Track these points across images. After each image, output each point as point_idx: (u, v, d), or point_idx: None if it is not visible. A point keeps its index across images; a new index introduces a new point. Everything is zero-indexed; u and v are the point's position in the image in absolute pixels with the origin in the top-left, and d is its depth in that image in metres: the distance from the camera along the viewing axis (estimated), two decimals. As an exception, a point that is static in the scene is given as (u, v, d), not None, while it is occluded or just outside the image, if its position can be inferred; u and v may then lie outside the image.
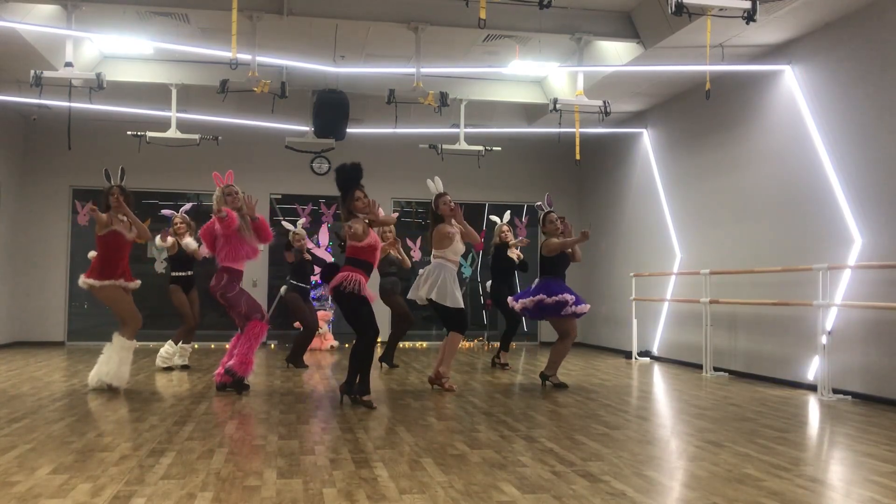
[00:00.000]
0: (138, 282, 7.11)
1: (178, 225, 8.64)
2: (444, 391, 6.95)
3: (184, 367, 8.55)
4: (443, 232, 7.04)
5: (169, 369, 8.40)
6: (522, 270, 9.51)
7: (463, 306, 7.04)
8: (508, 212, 9.76)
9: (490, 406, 6.20)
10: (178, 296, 8.54)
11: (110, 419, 5.46)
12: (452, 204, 7.05)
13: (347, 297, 6.02)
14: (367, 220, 6.20)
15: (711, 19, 6.49)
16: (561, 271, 7.54)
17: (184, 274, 8.61)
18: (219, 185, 6.91)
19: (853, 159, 7.09)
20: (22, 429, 4.99)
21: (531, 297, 7.39)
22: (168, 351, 8.52)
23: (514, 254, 9.36)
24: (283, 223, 9.72)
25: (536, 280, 7.66)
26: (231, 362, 6.77)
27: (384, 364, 8.93)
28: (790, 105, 7.95)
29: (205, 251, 7.93)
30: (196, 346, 9.08)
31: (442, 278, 6.94)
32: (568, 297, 7.25)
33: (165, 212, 8.92)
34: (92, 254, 7.23)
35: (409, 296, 7.25)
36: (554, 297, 7.25)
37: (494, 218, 9.69)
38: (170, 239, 8.52)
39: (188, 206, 9.15)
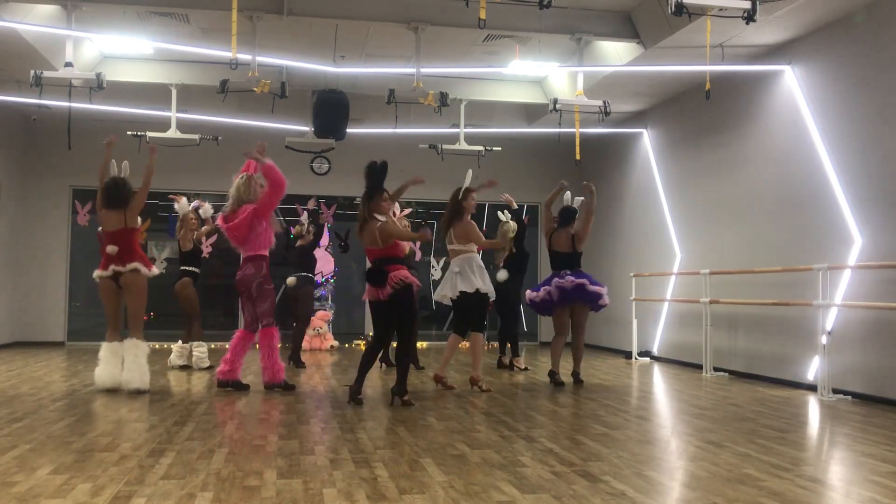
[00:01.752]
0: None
1: (192, 220, 8.67)
2: (483, 392, 6.99)
3: (183, 367, 8.56)
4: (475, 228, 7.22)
5: (208, 367, 8.50)
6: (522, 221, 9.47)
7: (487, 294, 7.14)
8: (506, 210, 9.66)
9: (490, 406, 6.20)
10: (190, 290, 8.55)
11: (110, 419, 5.46)
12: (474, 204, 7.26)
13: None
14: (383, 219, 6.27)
15: (711, 19, 6.49)
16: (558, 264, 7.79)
17: (197, 270, 8.63)
18: (248, 172, 7.02)
19: (853, 159, 7.09)
20: (22, 429, 4.99)
21: (571, 279, 7.54)
22: (202, 351, 8.60)
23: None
24: (301, 215, 9.88)
25: (554, 278, 7.71)
26: (263, 378, 6.89)
27: (383, 364, 8.94)
28: (790, 105, 7.95)
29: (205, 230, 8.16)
30: (212, 345, 9.18)
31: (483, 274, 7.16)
32: (601, 289, 7.59)
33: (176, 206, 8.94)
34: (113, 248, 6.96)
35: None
36: (595, 287, 7.56)
37: (501, 215, 9.51)
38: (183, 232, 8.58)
39: (197, 203, 9.16)
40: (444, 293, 7.18)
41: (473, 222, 7.21)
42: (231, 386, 6.80)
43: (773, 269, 7.88)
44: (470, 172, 7.28)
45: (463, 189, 7.17)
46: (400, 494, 3.52)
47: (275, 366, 6.81)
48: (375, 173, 6.30)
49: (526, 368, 9.13)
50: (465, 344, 7.45)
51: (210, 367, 8.43)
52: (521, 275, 9.25)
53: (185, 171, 11.90)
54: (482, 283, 7.02)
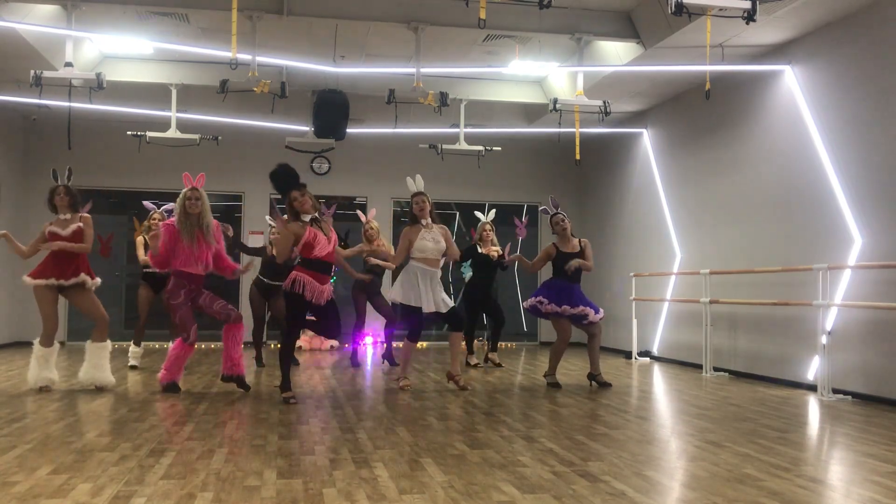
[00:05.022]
0: (94, 279, 7.07)
1: (155, 221, 8.60)
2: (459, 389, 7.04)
3: (132, 368, 8.52)
4: (402, 235, 7.13)
5: (133, 367, 8.50)
6: (500, 268, 9.46)
7: (418, 305, 6.94)
8: (493, 210, 9.68)
9: (490, 406, 6.20)
10: (140, 292, 8.57)
11: (110, 419, 5.46)
12: (426, 205, 7.04)
13: (289, 297, 6.18)
14: (308, 219, 6.23)
15: (711, 19, 6.49)
16: (563, 275, 7.51)
17: (152, 271, 8.52)
18: (186, 186, 6.81)
19: (853, 159, 7.09)
20: (22, 429, 4.99)
21: (536, 298, 7.57)
22: (132, 351, 8.63)
23: (490, 251, 9.32)
24: (266, 217, 9.87)
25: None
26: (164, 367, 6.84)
27: (386, 361, 9.17)
28: (790, 105, 7.95)
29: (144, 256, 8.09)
30: (213, 346, 9.14)
31: (401, 280, 7.10)
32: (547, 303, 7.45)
33: (146, 203, 8.87)
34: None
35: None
36: (541, 302, 7.49)
37: (479, 214, 9.64)
38: (138, 238, 8.61)
39: (171, 205, 9.04)
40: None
41: (405, 230, 7.13)
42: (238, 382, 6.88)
43: (773, 269, 7.88)
44: (410, 179, 7.14)
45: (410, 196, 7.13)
46: (400, 494, 3.52)
47: (169, 365, 6.80)
48: (278, 179, 6.29)
49: (500, 364, 9.37)
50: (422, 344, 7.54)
51: (133, 367, 8.49)
52: (484, 269, 9.29)
53: (185, 171, 11.86)
54: (398, 293, 7.05)
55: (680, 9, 5.74)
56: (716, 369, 8.69)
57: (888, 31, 6.76)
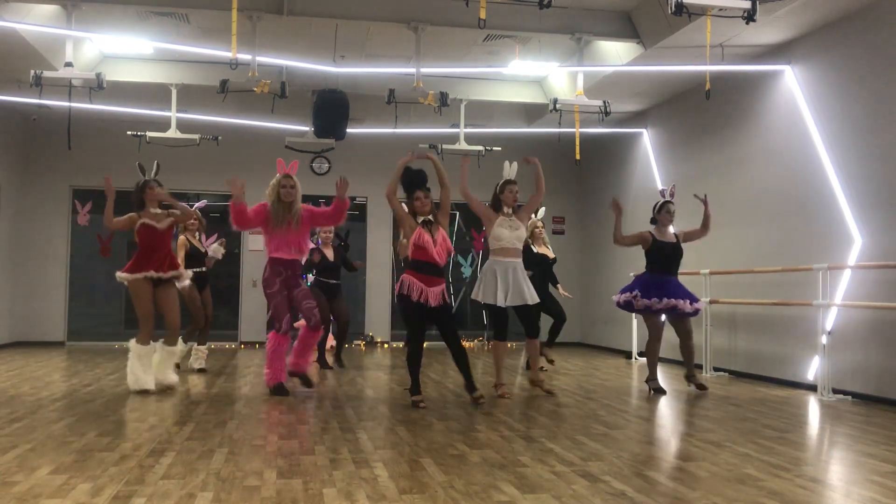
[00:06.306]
0: (185, 272, 7.06)
1: (191, 222, 8.59)
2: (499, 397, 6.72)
3: (200, 371, 8.37)
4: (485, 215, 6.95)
5: (202, 370, 8.37)
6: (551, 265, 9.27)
7: (495, 303, 6.68)
8: (543, 209, 9.50)
9: (490, 406, 6.20)
10: (190, 293, 8.42)
11: (110, 419, 5.46)
12: (517, 196, 6.98)
13: (399, 300, 6.25)
14: (420, 220, 6.23)
15: (711, 19, 6.49)
16: (659, 266, 7.26)
17: (196, 270, 8.49)
18: (280, 172, 6.90)
19: (853, 159, 7.09)
20: (22, 429, 4.99)
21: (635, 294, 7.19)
22: (197, 352, 8.50)
23: (544, 249, 9.21)
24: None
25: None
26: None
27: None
28: (790, 105, 7.95)
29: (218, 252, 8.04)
30: (212, 345, 9.01)
31: (484, 281, 6.80)
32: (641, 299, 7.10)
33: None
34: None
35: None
36: (624, 296, 7.24)
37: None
38: (180, 238, 8.52)
39: (202, 203, 9.04)
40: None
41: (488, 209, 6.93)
42: (274, 391, 6.74)
43: (773, 269, 7.88)
44: (507, 164, 7.14)
45: (502, 182, 6.99)
46: (400, 494, 3.52)
47: (268, 369, 6.74)
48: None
49: (548, 364, 9.13)
50: (467, 343, 7.21)
51: (202, 370, 8.37)
52: (543, 268, 9.09)
53: (185, 171, 11.88)
54: (483, 292, 6.73)
55: (680, 9, 5.75)
56: (716, 369, 8.69)
57: (888, 31, 6.76)
